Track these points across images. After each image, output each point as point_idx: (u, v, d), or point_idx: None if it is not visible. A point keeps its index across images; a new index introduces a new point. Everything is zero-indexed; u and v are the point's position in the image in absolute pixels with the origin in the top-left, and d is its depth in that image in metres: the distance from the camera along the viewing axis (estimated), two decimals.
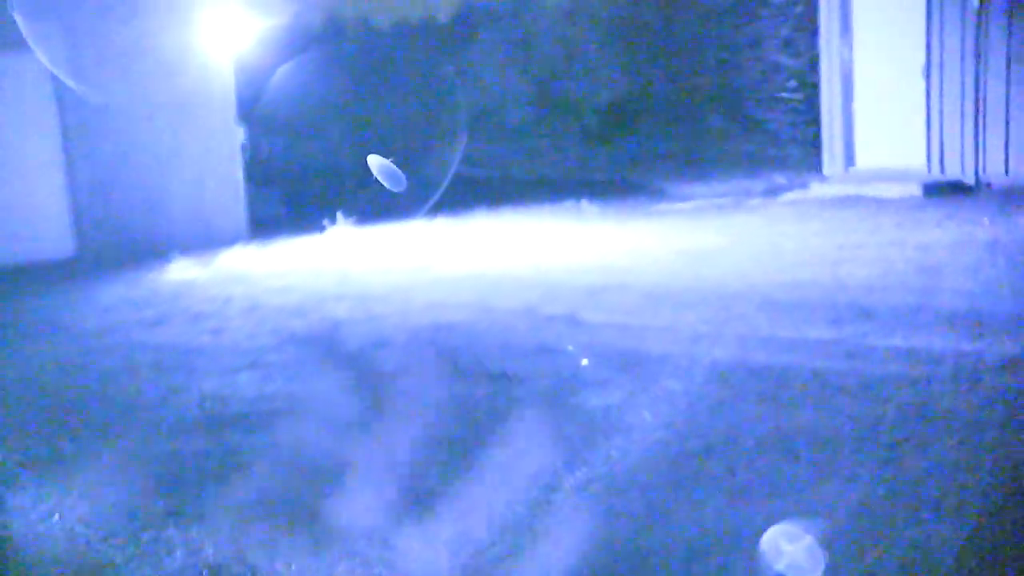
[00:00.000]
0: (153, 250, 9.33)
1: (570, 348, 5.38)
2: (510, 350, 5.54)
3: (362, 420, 4.66)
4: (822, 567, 2.96)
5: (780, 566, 3.00)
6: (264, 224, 10.67)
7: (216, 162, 10.34)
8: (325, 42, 15.46)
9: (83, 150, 9.62)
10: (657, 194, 11.67)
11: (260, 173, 11.80)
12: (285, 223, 10.75)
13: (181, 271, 8.81)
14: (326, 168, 13.08)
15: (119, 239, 9.60)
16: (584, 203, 10.94)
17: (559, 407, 4.56)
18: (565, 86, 17.38)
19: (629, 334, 5.66)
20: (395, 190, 6.10)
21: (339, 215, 10.34)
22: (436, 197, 11.02)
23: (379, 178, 5.89)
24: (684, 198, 11.24)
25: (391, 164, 5.89)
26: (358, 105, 14.48)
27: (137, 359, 6.06)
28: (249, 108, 11.47)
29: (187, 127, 10.04)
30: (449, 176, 11.44)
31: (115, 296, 7.98)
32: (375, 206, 10.68)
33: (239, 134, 10.67)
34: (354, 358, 5.71)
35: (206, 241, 9.73)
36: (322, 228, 10.23)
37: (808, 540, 3.06)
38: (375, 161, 5.92)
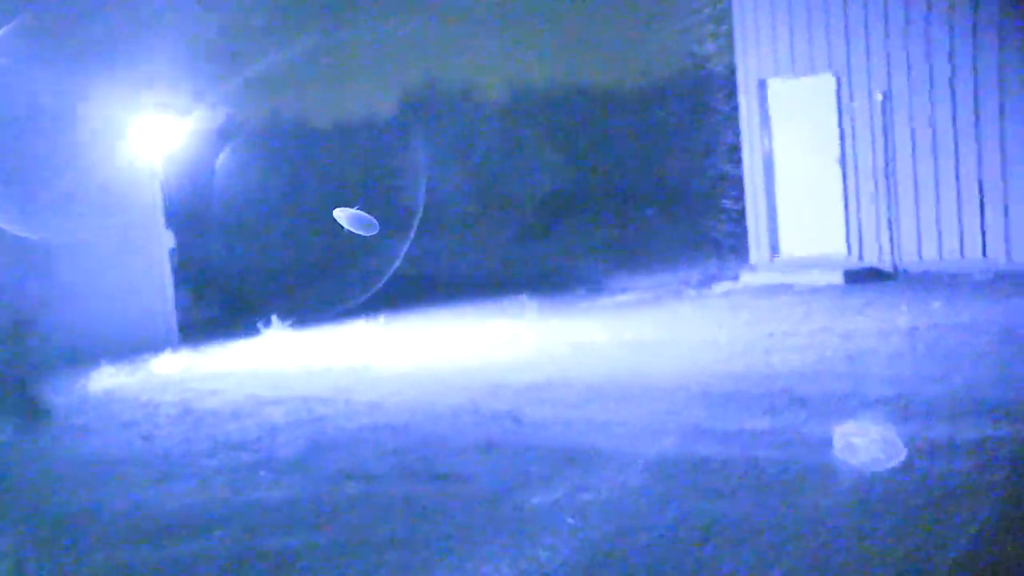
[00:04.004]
0: (78, 357, 9.08)
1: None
2: (455, 449, 5.51)
3: (302, 524, 4.55)
4: None
5: None
6: (196, 329, 10.50)
7: (143, 267, 10.21)
8: (261, 142, 15.58)
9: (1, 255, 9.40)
10: (596, 287, 11.89)
11: (191, 277, 11.66)
12: (218, 327, 10.60)
13: (108, 378, 8.58)
14: (262, 270, 13.00)
15: (41, 345, 9.31)
16: (525, 298, 11.08)
17: (504, 506, 4.53)
18: (504, 181, 17.78)
19: (572, 430, 5.69)
20: (369, 235, 5.93)
21: (274, 318, 10.24)
22: (377, 295, 11.01)
23: (350, 228, 5.71)
24: (622, 290, 11.47)
25: (358, 211, 5.71)
26: (296, 205, 14.53)
27: (63, 468, 5.84)
28: (182, 210, 11.42)
29: (113, 232, 9.93)
30: (390, 274, 11.46)
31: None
32: (314, 307, 10.62)
33: (168, 238, 10.59)
34: (294, 463, 5.60)
35: (134, 347, 9.51)
36: (257, 331, 10.10)
37: None
38: (342, 212, 5.74)
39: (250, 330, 10.09)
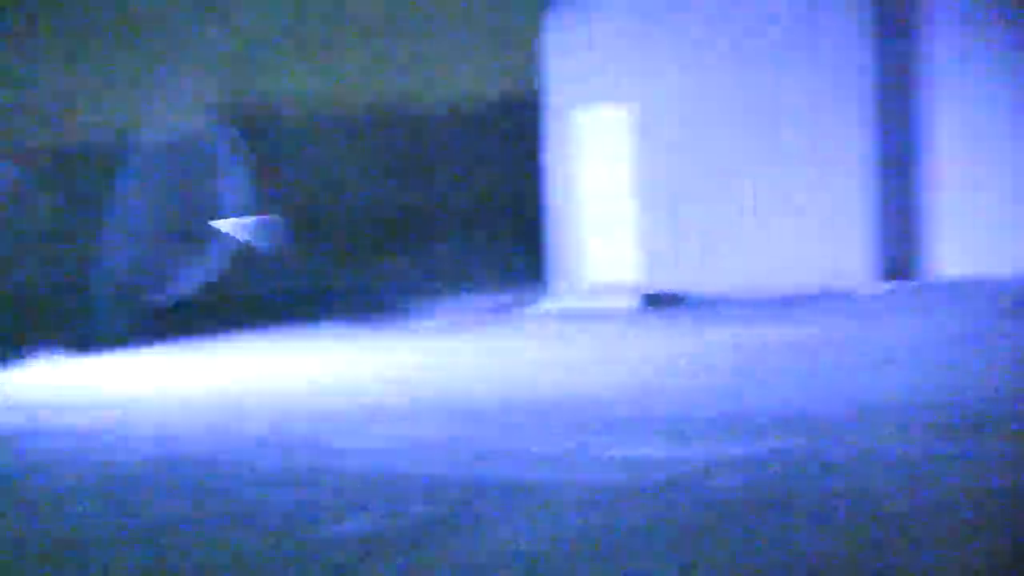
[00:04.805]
0: None
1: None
2: (249, 481, 5.20)
3: (69, 571, 4.10)
4: None
5: None
6: None
7: None
8: (42, 164, 14.35)
9: None
10: (402, 312, 11.79)
11: None
12: None
13: None
14: (34, 296, 11.92)
15: None
16: (333, 323, 10.81)
17: (292, 539, 4.29)
18: (313, 204, 17.35)
19: (373, 456, 5.55)
20: (273, 243, 5.36)
21: (45, 346, 9.36)
22: (175, 321, 10.37)
23: (249, 237, 5.04)
24: (429, 316, 11.43)
25: (256, 217, 4.92)
26: (80, 229, 13.46)
27: None
28: None
29: None
30: (185, 300, 10.82)
31: None
32: (93, 335, 9.85)
33: None
34: (56, 503, 5.06)
35: None
36: (23, 360, 9.19)
37: None
38: (230, 222, 4.98)
39: (16, 359, 9.18)
